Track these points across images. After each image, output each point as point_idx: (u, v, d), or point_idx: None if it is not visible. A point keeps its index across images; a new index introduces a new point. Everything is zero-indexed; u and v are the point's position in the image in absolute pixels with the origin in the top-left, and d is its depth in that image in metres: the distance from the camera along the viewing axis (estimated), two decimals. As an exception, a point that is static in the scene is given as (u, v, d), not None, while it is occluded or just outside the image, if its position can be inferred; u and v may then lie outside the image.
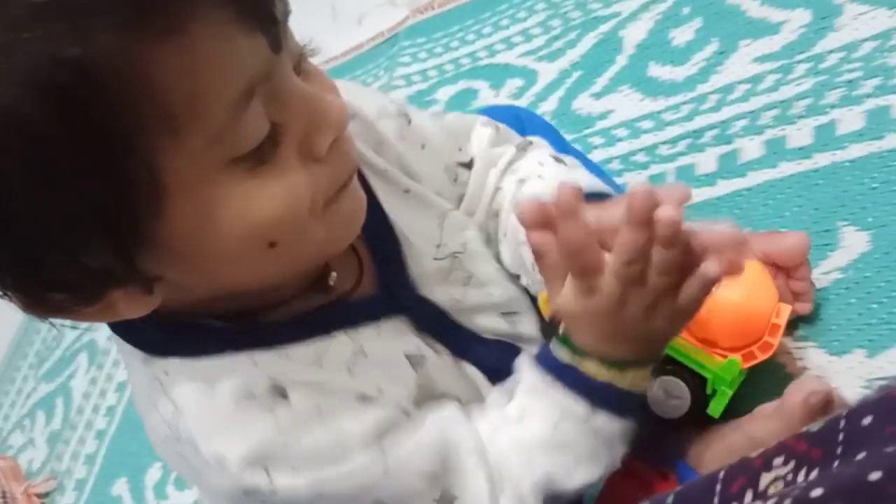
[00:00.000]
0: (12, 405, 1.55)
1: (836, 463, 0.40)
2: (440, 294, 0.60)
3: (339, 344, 0.53)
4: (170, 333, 0.50)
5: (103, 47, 0.35)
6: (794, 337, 0.68)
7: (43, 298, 0.42)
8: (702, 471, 0.63)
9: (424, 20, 1.34)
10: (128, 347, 0.51)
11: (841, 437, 0.41)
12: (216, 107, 0.39)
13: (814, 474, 0.41)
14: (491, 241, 0.66)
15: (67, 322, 0.45)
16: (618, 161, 0.92)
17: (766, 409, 0.63)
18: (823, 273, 0.70)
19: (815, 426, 0.43)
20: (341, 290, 0.54)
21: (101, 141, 0.37)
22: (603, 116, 0.97)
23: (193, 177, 0.41)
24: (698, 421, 0.64)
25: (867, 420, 0.40)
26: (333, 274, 0.54)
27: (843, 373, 0.65)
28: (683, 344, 0.64)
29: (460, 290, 0.61)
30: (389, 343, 0.56)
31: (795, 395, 0.60)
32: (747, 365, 0.63)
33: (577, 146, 0.96)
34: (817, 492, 0.35)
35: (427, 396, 0.56)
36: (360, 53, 1.41)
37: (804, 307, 0.67)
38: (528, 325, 0.65)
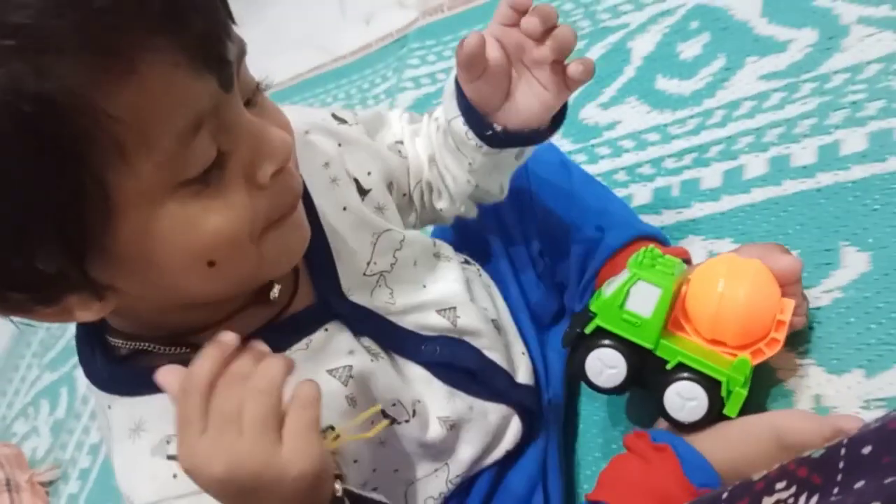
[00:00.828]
0: (16, 393, 1.56)
1: (835, 489, 0.42)
2: (371, 300, 0.64)
3: None
4: (113, 370, 0.55)
5: (61, 84, 0.39)
6: (795, 354, 0.70)
7: (4, 297, 0.45)
8: (705, 451, 0.65)
9: (434, 22, 1.34)
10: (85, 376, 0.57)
11: (841, 464, 0.42)
12: (164, 137, 0.43)
13: (814, 500, 0.42)
14: (437, 191, 0.72)
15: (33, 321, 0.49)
16: (623, 172, 0.94)
17: (803, 411, 0.66)
18: (825, 291, 0.71)
19: (816, 452, 0.44)
20: (280, 301, 0.58)
21: (56, 157, 0.41)
22: (610, 127, 0.99)
23: (141, 196, 0.44)
24: (714, 422, 0.66)
25: (867, 449, 0.42)
26: (276, 288, 0.57)
27: (843, 392, 0.67)
28: (693, 347, 0.66)
29: (388, 296, 0.66)
30: (315, 357, 0.60)
31: (844, 421, 0.61)
32: (756, 362, 0.65)
33: (583, 156, 0.98)
34: None
35: (364, 404, 0.60)
36: (368, 53, 1.42)
37: (799, 321, 0.69)
38: (467, 318, 0.69)
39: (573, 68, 0.60)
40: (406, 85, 1.29)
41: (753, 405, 0.67)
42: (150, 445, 0.54)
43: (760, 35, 0.93)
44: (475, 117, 0.64)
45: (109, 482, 1.23)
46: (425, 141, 0.72)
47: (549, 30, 0.59)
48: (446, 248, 0.73)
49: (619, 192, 0.89)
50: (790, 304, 0.66)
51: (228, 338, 0.48)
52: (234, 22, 0.48)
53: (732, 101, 0.90)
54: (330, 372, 0.60)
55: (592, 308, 0.67)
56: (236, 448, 0.44)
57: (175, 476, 0.52)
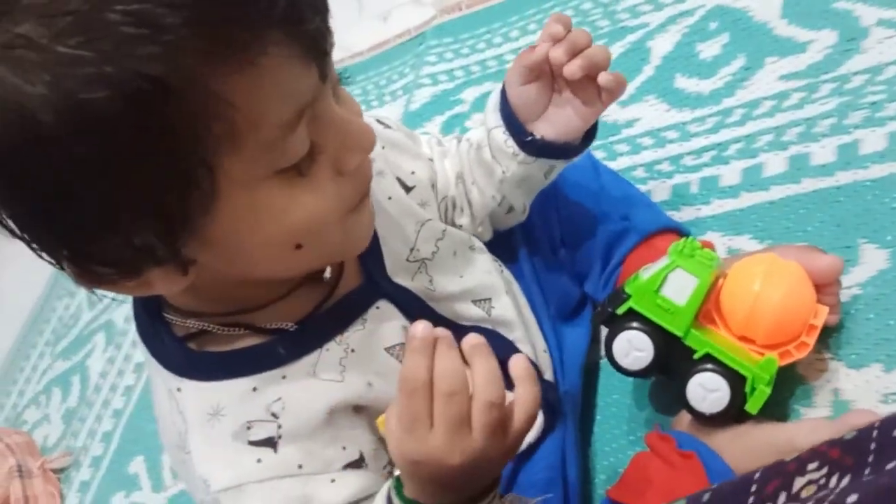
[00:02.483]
0: (27, 381, 1.57)
1: (867, 470, 0.43)
2: (413, 284, 0.67)
3: (331, 352, 0.60)
4: (188, 355, 0.58)
5: (183, 70, 0.40)
6: (815, 350, 0.71)
7: (91, 271, 0.47)
8: (729, 460, 0.65)
9: (452, 20, 1.35)
10: (150, 355, 0.59)
11: (873, 446, 0.43)
12: (272, 125, 0.45)
13: (845, 480, 0.43)
14: (459, 208, 0.76)
15: (93, 297, 0.53)
16: (642, 169, 0.95)
17: (818, 421, 0.66)
18: (844, 288, 0.72)
19: (848, 435, 0.45)
20: (329, 281, 0.61)
21: (170, 141, 0.42)
22: (629, 125, 1.00)
23: (243, 181, 0.46)
24: (734, 418, 0.67)
25: None
26: (328, 269, 0.61)
27: (861, 386, 0.68)
28: (721, 341, 0.67)
29: (428, 283, 0.68)
30: (372, 337, 0.62)
31: (857, 418, 0.62)
32: (784, 363, 0.66)
33: (602, 153, 0.99)
34: (852, 498, 0.38)
35: None
36: (386, 49, 1.43)
37: (833, 318, 0.70)
38: (501, 309, 0.72)
39: (603, 78, 0.64)
40: (423, 81, 1.30)
41: (772, 399, 0.68)
42: (230, 431, 0.56)
43: (780, 36, 0.94)
44: (516, 124, 0.69)
45: (122, 469, 1.25)
46: (454, 160, 0.76)
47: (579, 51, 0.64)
48: (478, 242, 0.76)
49: (640, 189, 0.90)
50: (824, 310, 0.67)
51: (440, 332, 0.51)
52: (328, 11, 0.49)
53: (752, 100, 0.91)
54: (388, 350, 0.63)
55: (627, 290, 0.68)
56: (468, 444, 0.50)
57: (259, 461, 0.56)
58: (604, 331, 0.72)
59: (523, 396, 0.52)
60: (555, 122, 0.68)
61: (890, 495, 0.37)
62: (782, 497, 0.45)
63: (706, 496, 0.47)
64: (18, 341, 1.68)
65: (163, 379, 0.59)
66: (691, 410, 0.67)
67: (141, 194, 0.43)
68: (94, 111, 0.40)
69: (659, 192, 0.91)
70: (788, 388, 0.71)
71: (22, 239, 0.46)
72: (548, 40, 0.65)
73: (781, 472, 0.46)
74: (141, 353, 1.35)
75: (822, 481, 0.44)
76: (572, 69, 0.63)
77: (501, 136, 0.70)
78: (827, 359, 0.71)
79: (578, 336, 0.81)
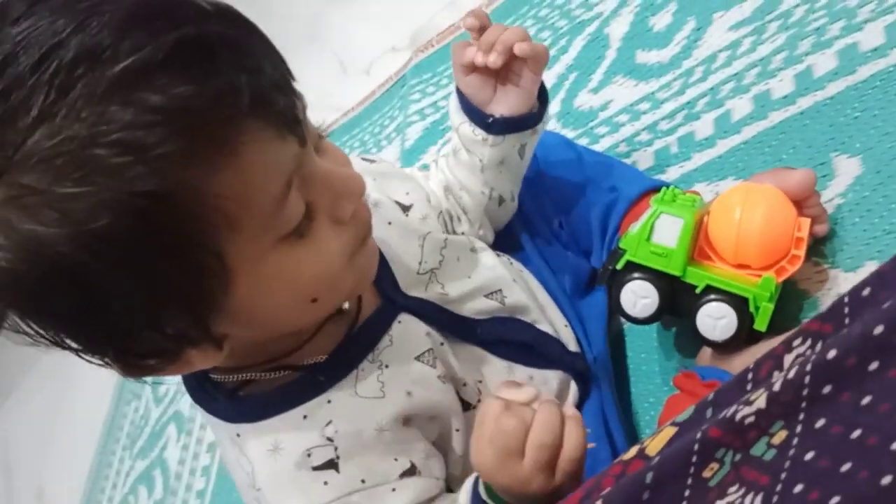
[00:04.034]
0: (114, 487, 1.64)
1: (844, 330, 0.46)
2: (427, 294, 0.71)
3: (366, 371, 0.64)
4: (237, 405, 0.62)
5: (172, 180, 0.44)
6: (812, 263, 0.75)
7: (135, 364, 0.52)
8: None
9: (427, 58, 1.43)
10: (207, 413, 0.64)
11: (846, 310, 0.47)
12: (265, 202, 0.49)
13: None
14: (456, 218, 0.81)
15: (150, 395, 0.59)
16: (624, 144, 1.00)
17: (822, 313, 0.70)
18: (826, 201, 0.76)
19: (824, 308, 0.49)
20: (351, 310, 0.66)
21: (177, 241, 0.46)
22: (603, 108, 1.05)
23: (250, 257, 0.50)
24: (747, 340, 0.70)
25: (866, 291, 0.47)
26: (346, 302, 0.65)
27: (859, 284, 0.71)
28: (721, 272, 0.71)
29: (441, 289, 0.73)
30: (401, 350, 0.66)
31: None
32: (781, 279, 0.69)
33: (585, 139, 1.04)
34: (832, 353, 0.41)
35: (450, 382, 0.69)
36: (374, 100, 1.51)
37: (821, 228, 0.74)
38: (514, 296, 0.77)
39: (518, 47, 0.72)
40: (412, 119, 1.37)
41: (785, 318, 0.72)
42: (292, 461, 0.60)
43: (721, -9, 0.99)
44: (476, 112, 0.76)
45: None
46: (436, 178, 0.82)
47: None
48: (478, 242, 0.81)
49: (623, 161, 0.95)
50: (806, 221, 0.70)
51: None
52: (293, 78, 0.53)
53: (709, 55, 0.96)
54: (418, 358, 0.67)
55: (622, 245, 0.73)
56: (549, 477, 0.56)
57: (326, 483, 0.60)
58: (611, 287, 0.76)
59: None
60: (505, 100, 0.76)
61: (863, 341, 0.41)
62: (776, 375, 0.48)
63: (710, 396, 0.51)
64: (99, 452, 1.75)
65: (224, 430, 0.64)
66: (706, 342, 0.71)
67: (162, 291, 0.47)
68: (104, 235, 0.43)
69: (643, 160, 0.96)
70: (795, 303, 0.74)
71: (71, 349, 0.50)
72: (474, 36, 0.74)
73: (772, 356, 0.50)
74: (211, 433, 1.42)
75: (808, 352, 0.47)
76: (493, 59, 0.72)
77: (468, 128, 0.77)
78: (825, 269, 0.74)
79: (596, 305, 0.85)
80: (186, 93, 0.43)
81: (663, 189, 0.74)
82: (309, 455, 0.60)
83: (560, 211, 0.88)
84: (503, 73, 0.75)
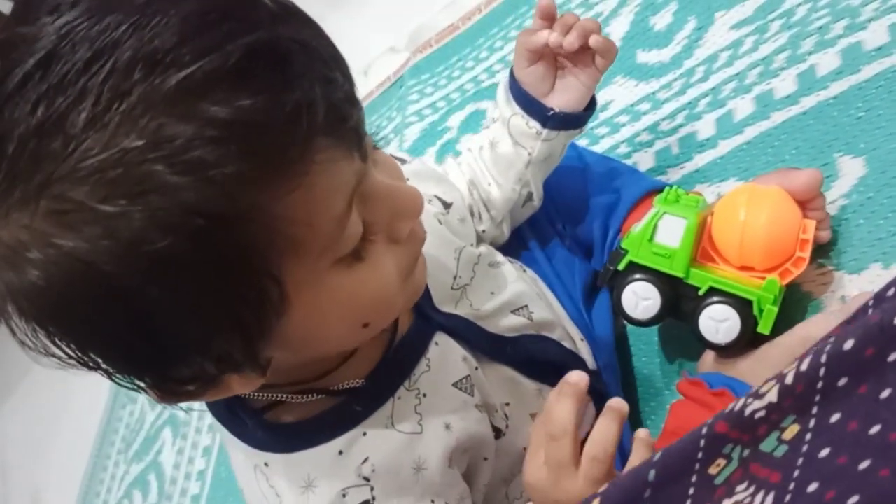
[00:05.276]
0: (109, 490, 1.62)
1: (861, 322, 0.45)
2: (458, 310, 0.68)
3: (403, 400, 0.61)
4: (268, 432, 0.58)
5: (238, 202, 0.40)
6: (816, 265, 0.74)
7: (175, 391, 0.48)
8: (757, 384, 0.67)
9: (425, 58, 1.42)
10: (229, 434, 0.60)
11: (871, 301, 0.45)
12: (328, 224, 0.45)
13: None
14: (477, 215, 0.79)
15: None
16: (625, 144, 0.98)
17: (826, 313, 0.69)
18: (830, 202, 0.75)
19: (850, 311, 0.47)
20: (387, 329, 0.62)
21: (236, 266, 0.42)
22: (604, 108, 1.04)
23: (308, 281, 0.46)
24: (750, 343, 0.69)
25: (891, 291, 0.45)
26: None
27: (865, 287, 0.70)
28: (724, 274, 0.69)
29: (470, 307, 0.70)
30: (439, 376, 0.63)
31: (857, 301, 0.65)
32: (785, 281, 0.68)
33: (585, 140, 1.03)
34: (849, 344, 0.38)
35: (484, 409, 0.66)
36: (371, 101, 1.50)
37: (823, 235, 0.72)
38: (540, 312, 0.74)
39: (593, 39, 0.71)
40: (411, 120, 1.36)
41: (786, 320, 0.70)
42: (327, 501, 0.57)
43: (723, -10, 0.98)
44: (535, 104, 0.75)
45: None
46: (457, 174, 0.80)
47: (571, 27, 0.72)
48: (497, 255, 0.78)
49: (624, 162, 0.94)
50: (811, 223, 0.69)
51: (576, 378, 0.57)
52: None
53: (710, 55, 0.95)
54: (455, 385, 0.64)
55: (624, 245, 0.72)
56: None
57: None
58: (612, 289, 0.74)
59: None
60: (564, 93, 0.75)
61: (884, 330, 0.37)
62: (788, 367, 0.46)
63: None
64: (94, 455, 1.74)
65: (246, 455, 0.60)
66: (709, 345, 0.70)
67: (215, 318, 0.43)
68: (158, 257, 0.39)
69: (644, 161, 0.95)
70: (799, 307, 0.73)
71: (102, 371, 0.46)
72: (541, 23, 0.73)
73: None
74: (206, 438, 1.41)
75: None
76: (570, 40, 0.71)
77: (521, 120, 0.76)
78: (829, 271, 0.73)
79: (601, 310, 0.83)
80: (257, 107, 0.39)
81: (666, 189, 0.73)
82: (344, 496, 0.57)
83: (562, 212, 0.86)
84: (565, 65, 0.75)
